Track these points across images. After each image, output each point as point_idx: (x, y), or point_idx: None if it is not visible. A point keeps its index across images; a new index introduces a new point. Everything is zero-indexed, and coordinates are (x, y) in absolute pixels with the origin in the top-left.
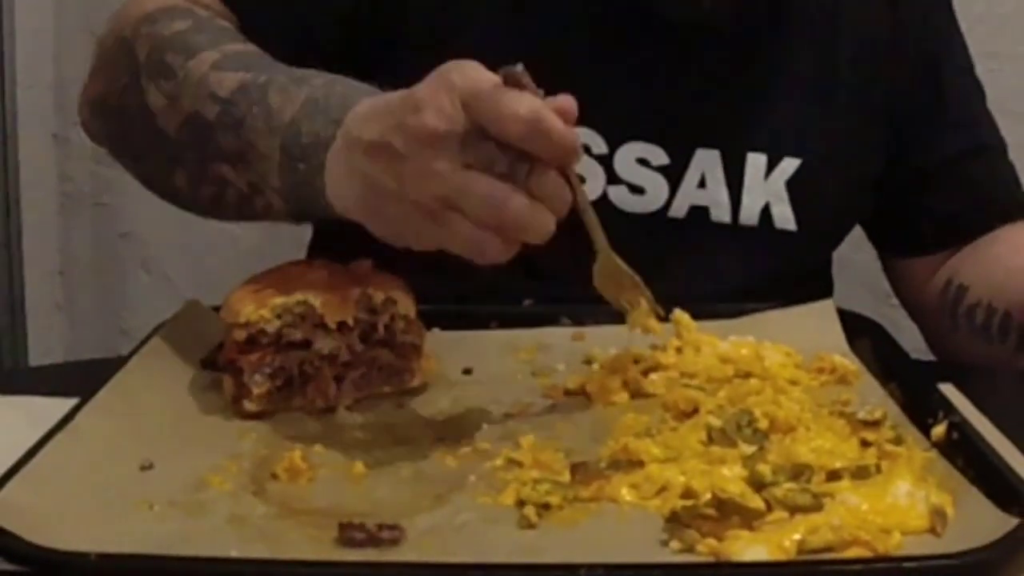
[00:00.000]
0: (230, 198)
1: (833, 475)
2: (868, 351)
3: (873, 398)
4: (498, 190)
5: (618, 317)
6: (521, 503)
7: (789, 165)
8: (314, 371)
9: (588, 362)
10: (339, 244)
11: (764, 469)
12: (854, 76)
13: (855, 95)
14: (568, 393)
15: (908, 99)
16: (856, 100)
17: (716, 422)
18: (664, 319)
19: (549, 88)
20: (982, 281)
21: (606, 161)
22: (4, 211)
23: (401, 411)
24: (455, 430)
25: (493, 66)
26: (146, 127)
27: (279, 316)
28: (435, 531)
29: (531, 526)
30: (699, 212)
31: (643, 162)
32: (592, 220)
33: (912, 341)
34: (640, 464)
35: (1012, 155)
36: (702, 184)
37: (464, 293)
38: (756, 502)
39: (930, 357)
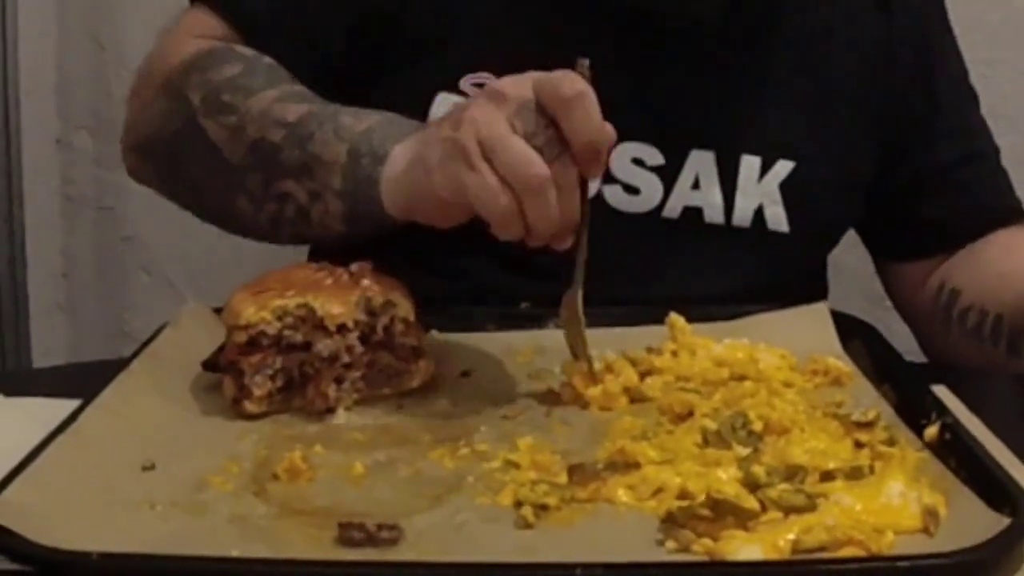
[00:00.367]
0: (289, 212)
1: (827, 476)
2: (862, 353)
3: (866, 400)
4: (528, 153)
5: (615, 319)
6: (519, 504)
7: (783, 168)
8: (314, 373)
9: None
10: (339, 249)
11: (759, 470)
12: (848, 81)
13: (849, 100)
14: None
15: (902, 105)
16: (850, 105)
17: (711, 424)
18: (598, 383)
19: None
20: (975, 285)
21: None
22: (7, 214)
23: (400, 412)
24: (453, 431)
25: (491, 68)
26: (207, 161)
27: (280, 318)
28: (433, 531)
29: (528, 526)
30: (693, 213)
31: (638, 162)
32: (582, 255)
33: (905, 343)
34: (636, 466)
35: (1005, 159)
36: (696, 185)
37: (461, 293)
38: (751, 503)
39: (923, 359)
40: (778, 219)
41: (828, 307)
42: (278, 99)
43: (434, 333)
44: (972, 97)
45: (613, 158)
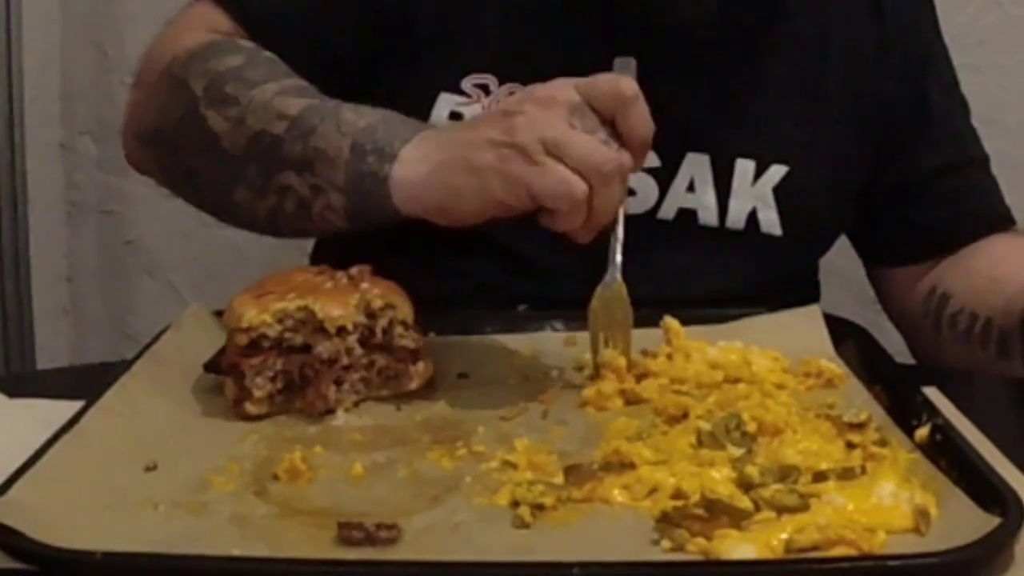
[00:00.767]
0: (289, 207)
1: (819, 476)
2: (854, 355)
3: (858, 401)
4: (600, 144)
5: None
6: (516, 504)
7: (776, 172)
8: (314, 374)
9: (580, 368)
10: (340, 251)
11: (752, 471)
12: (841, 88)
13: (842, 107)
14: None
15: (893, 112)
16: (843, 111)
17: (706, 425)
18: (630, 368)
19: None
20: (965, 289)
21: None
22: (12, 218)
23: (399, 414)
24: (451, 432)
25: (492, 70)
26: (207, 151)
27: (280, 321)
28: (432, 531)
29: (525, 526)
30: (687, 215)
31: None
32: (619, 241)
33: (897, 346)
34: (632, 466)
35: (994, 164)
36: (691, 188)
37: (460, 294)
38: (744, 503)
39: (914, 362)
40: (771, 222)
41: (820, 310)
42: (279, 92)
43: (432, 335)
44: (962, 105)
45: None
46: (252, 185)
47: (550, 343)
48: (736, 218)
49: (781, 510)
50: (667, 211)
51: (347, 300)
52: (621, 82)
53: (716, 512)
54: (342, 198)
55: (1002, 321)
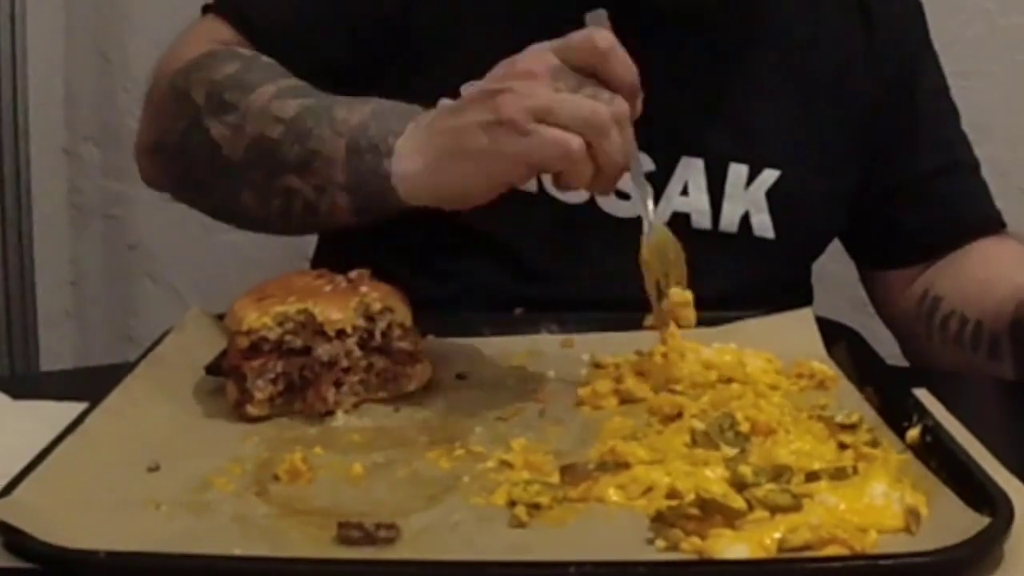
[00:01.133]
0: (297, 207)
1: (812, 476)
2: (845, 357)
3: (850, 402)
4: (584, 98)
5: (605, 324)
6: (512, 503)
7: (769, 176)
8: (314, 377)
9: (577, 368)
10: (340, 255)
11: (746, 470)
12: (832, 94)
13: (833, 112)
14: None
15: (883, 117)
16: (834, 117)
17: (700, 425)
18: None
19: None
20: (956, 292)
21: None
22: (17, 223)
23: (397, 415)
24: (449, 433)
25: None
26: (211, 160)
27: (281, 324)
28: (430, 530)
29: (522, 525)
30: (681, 218)
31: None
32: (645, 192)
33: (888, 348)
34: (627, 466)
35: (984, 169)
36: (685, 192)
37: (459, 295)
38: (738, 502)
39: (905, 364)
40: (764, 226)
41: (813, 313)
42: (275, 95)
43: (430, 338)
44: (952, 110)
45: None
46: (257, 189)
47: (546, 345)
48: (729, 221)
49: (774, 510)
50: (661, 214)
51: (346, 303)
52: (595, 36)
53: (710, 511)
54: (346, 196)
55: (992, 324)
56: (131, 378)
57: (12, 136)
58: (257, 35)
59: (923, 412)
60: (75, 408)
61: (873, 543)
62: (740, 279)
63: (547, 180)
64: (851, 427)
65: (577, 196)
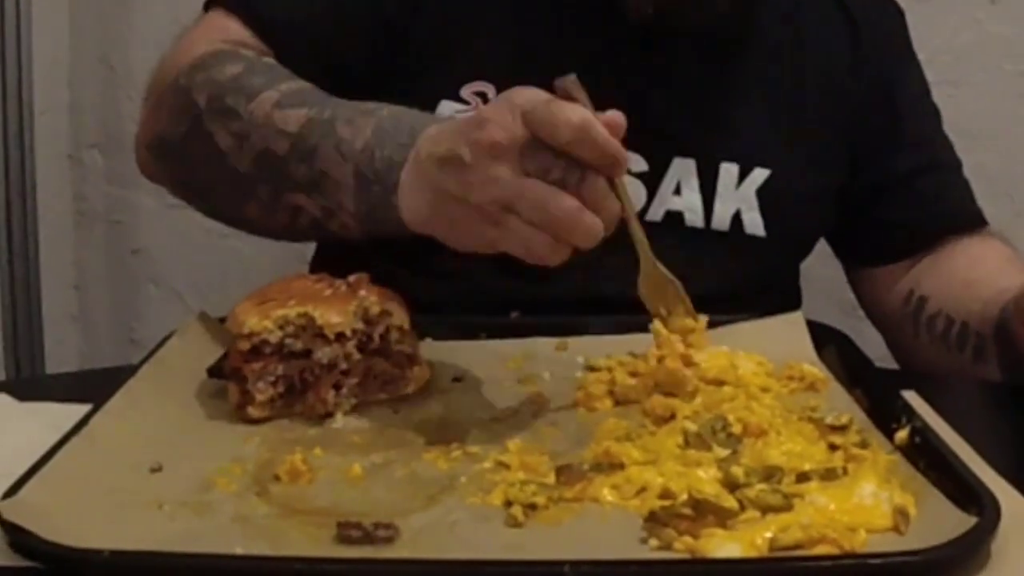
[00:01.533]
0: (303, 223)
1: (802, 477)
2: (835, 360)
3: (840, 404)
4: (549, 192)
5: (599, 327)
6: (509, 503)
7: (759, 175)
8: (314, 379)
9: (572, 370)
10: (339, 259)
11: (737, 471)
12: (818, 96)
13: (819, 113)
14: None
15: (867, 117)
16: (821, 118)
17: (692, 427)
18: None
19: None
20: (941, 292)
21: None
22: (22, 228)
23: (396, 416)
24: (446, 434)
25: (490, 78)
26: (215, 166)
27: (281, 327)
28: (428, 529)
29: (518, 525)
30: (674, 217)
31: None
32: (638, 231)
33: (876, 351)
34: (621, 466)
35: (973, 176)
36: (678, 191)
37: (456, 296)
38: (730, 502)
39: (894, 366)
40: (755, 224)
41: (803, 316)
42: (277, 104)
43: (428, 341)
44: (933, 112)
45: None
46: (263, 203)
47: (541, 348)
48: (721, 220)
49: (765, 509)
50: (655, 213)
51: (346, 307)
52: (559, 120)
53: (702, 511)
54: (355, 222)
55: (978, 326)
56: (134, 380)
57: (18, 143)
58: (268, 32)
59: (911, 414)
60: (79, 410)
61: (862, 542)
62: (731, 276)
63: None
64: (841, 428)
65: None
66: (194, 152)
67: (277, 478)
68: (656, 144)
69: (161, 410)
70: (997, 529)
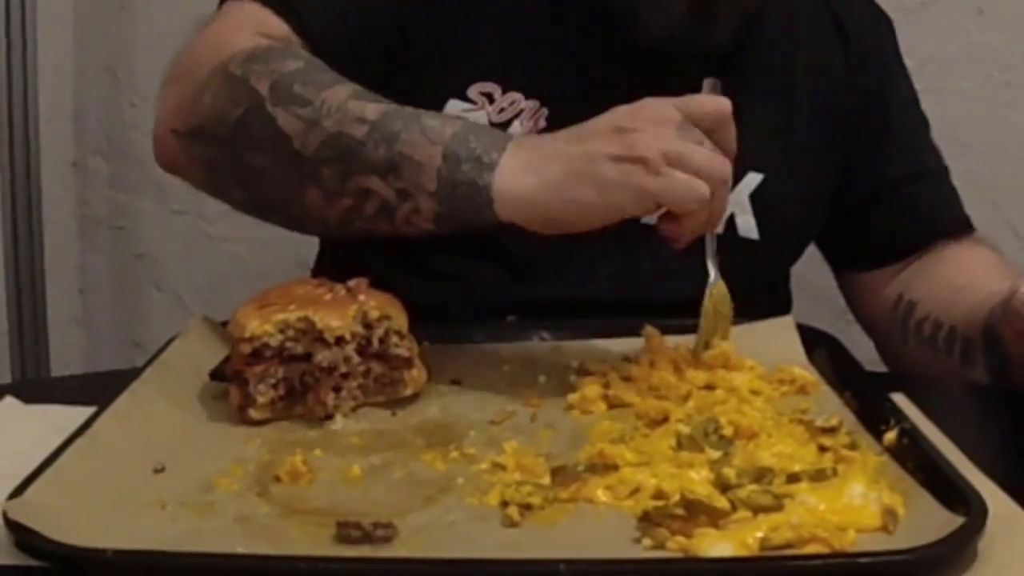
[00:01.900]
0: (369, 209)
1: (793, 478)
2: (825, 363)
3: (830, 407)
4: (714, 154)
5: (594, 331)
6: (505, 503)
7: (752, 179)
8: (314, 382)
9: (567, 373)
10: (340, 262)
11: (729, 472)
12: (811, 104)
13: (812, 120)
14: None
15: (858, 125)
16: (813, 124)
17: (685, 429)
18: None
19: (541, 98)
20: (930, 297)
21: None
22: (28, 234)
23: (394, 419)
24: (444, 436)
25: (495, 78)
26: (274, 151)
27: (282, 331)
28: (425, 529)
29: (514, 525)
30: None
31: None
32: (713, 247)
33: (866, 354)
34: (615, 468)
35: (960, 183)
36: None
37: (455, 300)
38: (722, 503)
39: (883, 369)
40: (748, 227)
41: (794, 320)
42: (352, 96)
43: (426, 344)
44: (922, 120)
45: None
46: (326, 187)
47: (537, 351)
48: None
49: (757, 510)
50: (649, 217)
51: (345, 311)
52: (720, 102)
53: (695, 511)
54: (433, 203)
55: (965, 329)
56: (138, 383)
57: (23, 149)
58: (307, 29)
59: (900, 416)
60: (84, 412)
61: (852, 542)
62: (725, 278)
63: None
64: (831, 430)
65: None
66: (250, 137)
67: (278, 479)
68: None
69: (164, 412)
70: (984, 529)
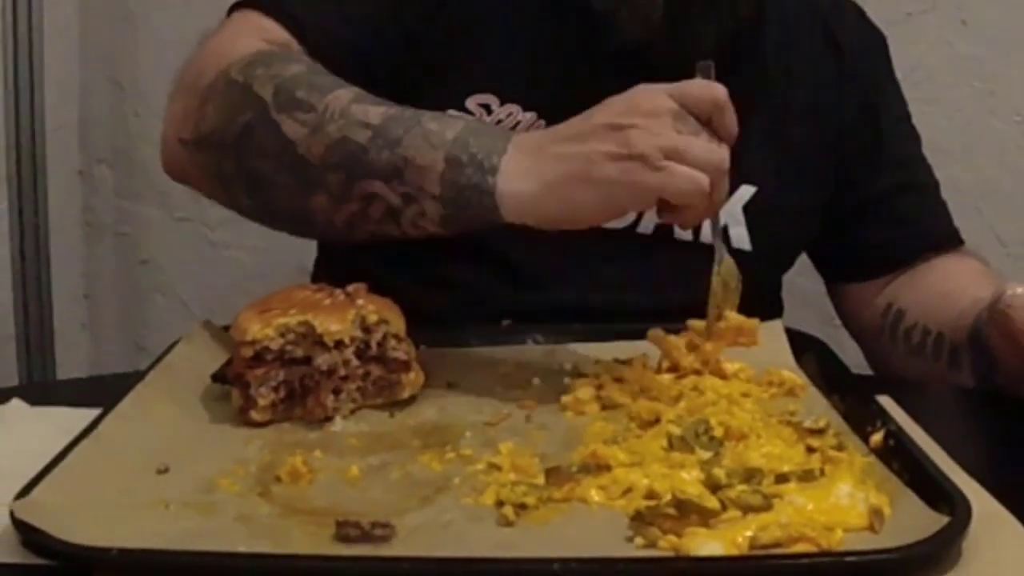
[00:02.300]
0: (375, 213)
1: (781, 478)
2: (813, 366)
3: (818, 409)
4: (712, 145)
5: (587, 335)
6: (500, 503)
7: (746, 192)
8: (314, 384)
9: (562, 376)
10: (339, 268)
11: (719, 472)
12: (805, 118)
13: (805, 134)
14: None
15: (850, 139)
16: (806, 138)
17: (676, 430)
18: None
19: (538, 110)
20: (918, 305)
21: None
22: (34, 240)
23: (392, 420)
24: (440, 437)
25: (494, 90)
26: (279, 156)
27: (282, 335)
28: (423, 528)
29: (509, 524)
30: (664, 230)
31: None
32: (718, 229)
33: (853, 358)
34: (607, 468)
35: (944, 189)
36: None
37: (453, 304)
38: (712, 502)
39: (870, 372)
40: (741, 238)
41: (783, 325)
42: (354, 99)
43: (423, 348)
44: (914, 135)
45: None
46: (332, 192)
47: (531, 354)
48: (709, 234)
49: (746, 509)
50: (645, 226)
51: (344, 315)
52: (715, 88)
53: (686, 511)
54: (438, 207)
55: (952, 335)
56: (142, 386)
57: (30, 158)
58: (305, 34)
59: (886, 418)
60: (89, 414)
61: (839, 541)
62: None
63: None
64: (818, 432)
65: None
66: (255, 144)
67: (278, 479)
68: None
69: (167, 414)
70: (968, 528)
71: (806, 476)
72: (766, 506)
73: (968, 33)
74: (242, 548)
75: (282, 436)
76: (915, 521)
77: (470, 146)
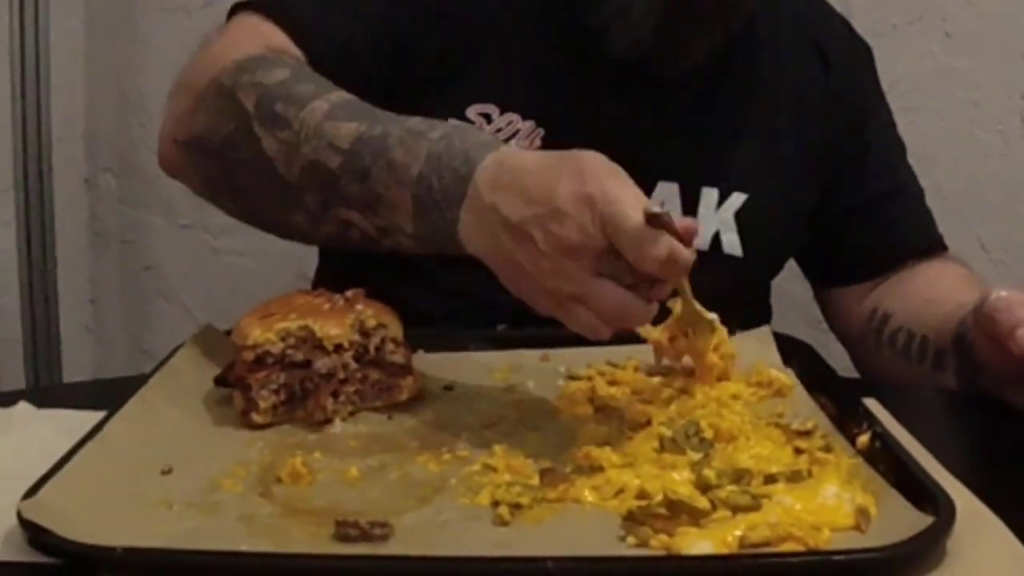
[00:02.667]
0: (353, 237)
1: (770, 479)
2: (801, 369)
3: (805, 411)
4: (628, 299)
5: (579, 341)
6: (496, 503)
7: (737, 199)
8: (314, 387)
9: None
10: (340, 273)
11: (709, 473)
12: (793, 127)
13: (794, 141)
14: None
15: (838, 147)
16: (794, 146)
17: (667, 432)
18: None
19: (537, 119)
20: (904, 309)
21: None
22: (41, 247)
23: (390, 422)
24: (438, 439)
25: (494, 100)
26: (261, 172)
27: (283, 339)
28: (420, 528)
29: (504, 524)
30: None
31: None
32: (686, 284)
33: (840, 361)
34: (600, 469)
35: (929, 196)
36: None
37: (451, 310)
38: (703, 502)
39: (856, 375)
40: (733, 244)
41: (771, 330)
42: (328, 115)
43: (420, 352)
44: (899, 144)
45: None
46: (311, 213)
47: (527, 359)
48: (702, 240)
49: (735, 509)
50: None
51: (343, 320)
52: (655, 250)
53: (677, 511)
54: (413, 241)
55: (937, 339)
56: (146, 389)
57: (37, 167)
58: (303, 38)
59: (872, 420)
60: (94, 416)
61: (826, 540)
62: (709, 292)
63: None
64: (806, 434)
65: None
66: (239, 155)
67: (279, 480)
68: (641, 169)
69: (171, 416)
70: (952, 528)
71: (794, 477)
72: (755, 506)
73: (952, 45)
74: (244, 547)
75: (283, 438)
76: (900, 521)
77: (433, 192)
